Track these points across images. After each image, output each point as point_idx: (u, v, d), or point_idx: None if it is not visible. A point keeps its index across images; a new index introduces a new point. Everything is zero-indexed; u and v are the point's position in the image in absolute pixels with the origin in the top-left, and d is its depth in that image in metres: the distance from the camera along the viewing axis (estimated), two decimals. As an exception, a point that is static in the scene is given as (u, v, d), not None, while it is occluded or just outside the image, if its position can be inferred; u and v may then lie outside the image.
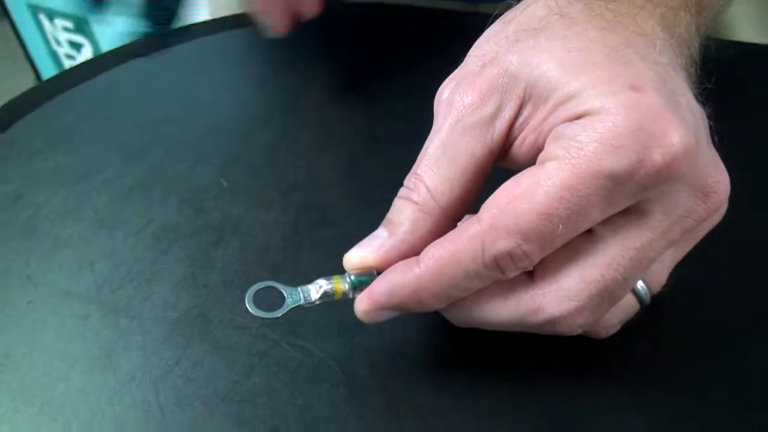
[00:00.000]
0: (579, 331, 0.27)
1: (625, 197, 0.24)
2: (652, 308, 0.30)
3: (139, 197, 0.39)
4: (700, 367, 0.31)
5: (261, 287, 0.28)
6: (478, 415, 0.30)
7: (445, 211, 0.27)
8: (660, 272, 0.29)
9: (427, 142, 0.28)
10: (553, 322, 0.26)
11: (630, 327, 0.30)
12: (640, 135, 0.23)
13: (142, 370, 0.31)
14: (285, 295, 0.28)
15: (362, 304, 0.28)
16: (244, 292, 0.34)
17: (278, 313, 0.27)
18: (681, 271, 0.30)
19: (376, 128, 0.43)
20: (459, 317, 0.28)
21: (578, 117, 0.24)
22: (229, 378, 0.31)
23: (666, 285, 0.29)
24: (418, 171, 0.27)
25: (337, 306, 0.32)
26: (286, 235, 0.37)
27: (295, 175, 0.40)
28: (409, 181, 0.28)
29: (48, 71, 1.30)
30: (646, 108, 0.23)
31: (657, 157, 0.23)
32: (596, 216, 0.24)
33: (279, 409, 0.29)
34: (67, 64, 1.27)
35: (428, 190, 0.27)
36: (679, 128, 0.23)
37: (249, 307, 0.27)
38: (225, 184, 0.40)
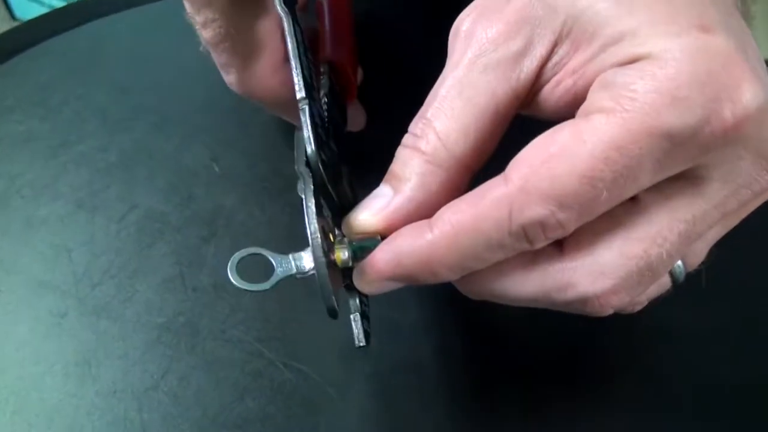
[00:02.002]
0: (610, 312, 0.23)
1: (682, 160, 0.21)
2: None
3: (121, 177, 0.36)
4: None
5: (245, 255, 0.24)
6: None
7: (460, 162, 0.23)
8: (700, 249, 0.25)
9: (438, 81, 0.23)
10: (584, 300, 0.23)
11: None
12: (709, 86, 0.20)
13: (123, 382, 0.29)
14: (274, 264, 0.24)
15: (364, 274, 0.24)
16: (235, 299, 0.32)
17: (267, 285, 0.23)
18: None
19: (388, 119, 0.40)
20: (474, 290, 0.24)
21: (632, 61, 0.20)
22: (219, 399, 0.29)
23: (703, 263, 0.26)
24: (428, 114, 0.23)
25: (337, 327, 0.31)
26: (281, 233, 0.35)
27: (292, 164, 0.38)
28: (416, 126, 0.23)
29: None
30: (715, 53, 0.20)
31: (727, 113, 0.20)
32: (645, 181, 0.21)
33: (273, 438, 0.28)
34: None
35: (439, 138, 0.23)
36: (752, 81, 0.20)
37: (232, 277, 0.23)
38: (217, 169, 0.37)
